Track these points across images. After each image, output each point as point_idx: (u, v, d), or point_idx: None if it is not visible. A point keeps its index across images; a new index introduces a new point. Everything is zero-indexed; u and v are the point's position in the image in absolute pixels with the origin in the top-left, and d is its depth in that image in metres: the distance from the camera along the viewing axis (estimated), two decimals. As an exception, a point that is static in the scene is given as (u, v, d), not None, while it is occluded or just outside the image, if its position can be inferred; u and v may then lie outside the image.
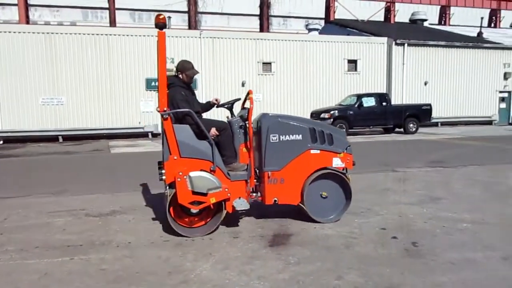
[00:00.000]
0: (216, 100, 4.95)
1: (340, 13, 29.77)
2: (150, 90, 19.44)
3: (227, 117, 4.93)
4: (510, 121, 25.33)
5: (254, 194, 4.68)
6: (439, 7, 33.66)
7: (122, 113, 19.39)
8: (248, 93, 4.75)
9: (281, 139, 4.52)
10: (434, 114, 20.72)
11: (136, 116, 19.47)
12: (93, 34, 19.04)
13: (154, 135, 19.21)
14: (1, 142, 17.46)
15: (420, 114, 19.47)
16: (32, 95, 18.25)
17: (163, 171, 4.33)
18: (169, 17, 24.69)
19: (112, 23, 28.00)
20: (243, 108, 4.97)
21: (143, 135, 19.12)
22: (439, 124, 23.26)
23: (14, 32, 18.12)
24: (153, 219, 5.03)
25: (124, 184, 7.47)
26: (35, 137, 17.84)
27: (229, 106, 4.98)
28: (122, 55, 19.23)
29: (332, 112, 17.83)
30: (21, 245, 4.17)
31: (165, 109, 4.17)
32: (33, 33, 18.30)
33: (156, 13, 4.29)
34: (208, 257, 3.75)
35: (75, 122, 18.75)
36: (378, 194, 6.26)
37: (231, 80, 20.62)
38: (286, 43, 21.58)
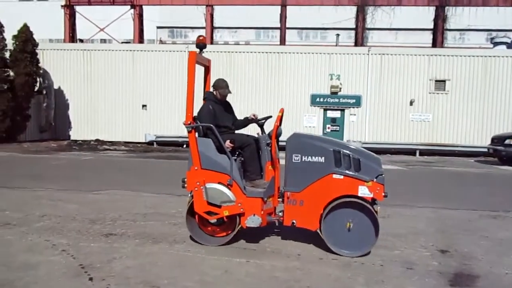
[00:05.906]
0: (254, 115, 4.96)
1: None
2: (315, 106, 19.90)
3: (257, 134, 4.90)
4: None
5: (280, 214, 4.56)
6: None
7: (288, 128, 20.22)
8: (280, 111, 4.70)
9: (303, 160, 4.35)
10: None
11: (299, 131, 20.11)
12: (265, 52, 20.53)
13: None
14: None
15: None
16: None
17: (186, 179, 4.53)
18: (338, 35, 24.97)
19: (282, 41, 29.76)
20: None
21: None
22: None
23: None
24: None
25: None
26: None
27: (261, 122, 4.96)
28: (290, 71, 20.19)
29: (520, 138, 15.26)
30: (206, 241, 4.65)
31: (189, 122, 4.39)
32: (216, 52, 20.45)
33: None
34: (380, 284, 3.57)
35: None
36: None
37: (398, 99, 19.57)
38: (465, 59, 19.44)
